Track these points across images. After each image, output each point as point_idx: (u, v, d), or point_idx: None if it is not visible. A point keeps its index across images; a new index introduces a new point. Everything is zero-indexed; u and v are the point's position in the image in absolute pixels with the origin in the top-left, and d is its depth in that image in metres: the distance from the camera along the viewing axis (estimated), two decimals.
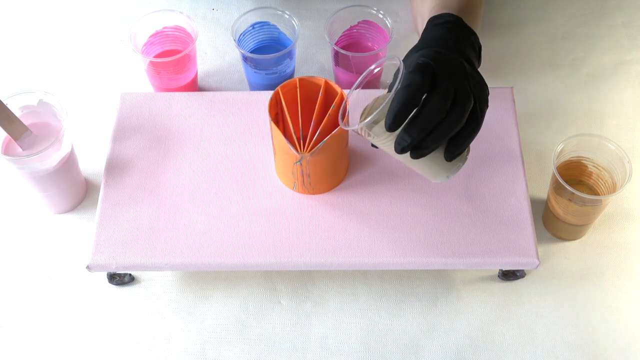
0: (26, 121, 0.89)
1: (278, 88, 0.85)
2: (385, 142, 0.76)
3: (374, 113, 0.73)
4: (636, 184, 0.98)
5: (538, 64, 1.09)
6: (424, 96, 0.73)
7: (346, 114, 0.80)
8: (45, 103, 0.89)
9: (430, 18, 0.86)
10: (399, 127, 0.73)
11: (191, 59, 1.01)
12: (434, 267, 0.86)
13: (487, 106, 0.78)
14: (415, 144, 0.73)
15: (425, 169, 0.78)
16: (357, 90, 0.79)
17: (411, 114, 0.73)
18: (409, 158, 0.76)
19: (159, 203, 0.89)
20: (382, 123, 0.74)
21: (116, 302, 0.90)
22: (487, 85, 0.79)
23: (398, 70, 0.75)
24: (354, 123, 0.77)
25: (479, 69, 0.82)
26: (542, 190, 0.97)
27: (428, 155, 0.76)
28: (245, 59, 1.00)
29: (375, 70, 0.79)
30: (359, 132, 0.77)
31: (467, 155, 0.78)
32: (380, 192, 0.90)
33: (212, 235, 0.87)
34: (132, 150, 0.93)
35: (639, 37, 1.12)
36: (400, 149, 0.74)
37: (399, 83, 0.73)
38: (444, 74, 0.74)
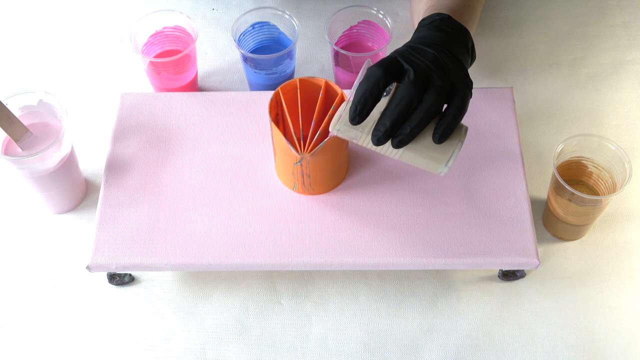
0: (26, 121, 0.89)
1: (278, 88, 0.85)
2: (367, 139, 0.76)
3: (340, 111, 0.75)
4: (636, 184, 0.98)
5: (538, 64, 1.09)
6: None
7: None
8: (45, 103, 0.89)
9: (420, 21, 0.86)
10: (362, 119, 0.74)
11: (191, 59, 1.01)
12: (434, 267, 0.86)
13: (471, 93, 0.77)
14: (389, 133, 0.74)
15: (422, 161, 0.77)
16: None
17: (377, 106, 0.74)
18: (403, 154, 0.76)
19: (159, 203, 0.89)
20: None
21: (116, 302, 0.90)
22: (467, 75, 0.79)
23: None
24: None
25: (473, 65, 0.82)
26: (542, 190, 0.97)
27: (420, 146, 0.76)
28: (245, 59, 1.00)
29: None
30: (339, 136, 0.77)
31: (461, 140, 0.77)
32: (380, 192, 0.90)
33: (212, 235, 0.87)
34: (132, 150, 0.93)
35: (639, 37, 1.12)
36: (375, 140, 0.75)
37: (360, 78, 0.74)
38: (413, 64, 0.75)
